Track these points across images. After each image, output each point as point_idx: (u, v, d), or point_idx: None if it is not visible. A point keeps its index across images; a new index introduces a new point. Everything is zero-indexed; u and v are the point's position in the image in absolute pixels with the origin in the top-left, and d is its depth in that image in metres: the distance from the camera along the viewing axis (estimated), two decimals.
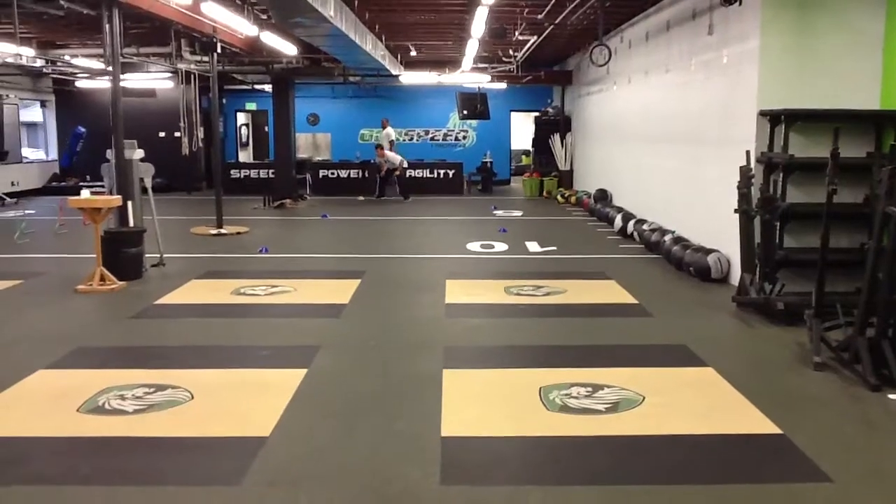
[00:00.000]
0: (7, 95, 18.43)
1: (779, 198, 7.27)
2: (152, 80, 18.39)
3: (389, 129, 19.34)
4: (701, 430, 4.38)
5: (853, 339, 5.34)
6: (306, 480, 3.72)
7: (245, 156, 23.58)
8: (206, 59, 13.45)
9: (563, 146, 19.24)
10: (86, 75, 18.38)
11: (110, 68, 9.08)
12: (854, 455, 4.02)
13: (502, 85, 19.93)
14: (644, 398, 4.82)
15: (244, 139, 23.94)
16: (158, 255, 9.25)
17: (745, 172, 7.26)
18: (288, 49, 14.18)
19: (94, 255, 8.18)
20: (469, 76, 18.59)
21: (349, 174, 19.69)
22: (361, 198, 18.38)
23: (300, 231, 13.64)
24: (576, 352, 5.98)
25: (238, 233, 12.35)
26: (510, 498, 3.55)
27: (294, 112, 18.13)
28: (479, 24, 11.60)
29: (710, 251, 8.60)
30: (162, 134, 18.92)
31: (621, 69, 13.50)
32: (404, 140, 22.66)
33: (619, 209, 12.96)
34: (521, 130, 23.89)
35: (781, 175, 7.38)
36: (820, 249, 5.76)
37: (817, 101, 7.48)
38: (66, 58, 15.63)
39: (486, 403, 4.81)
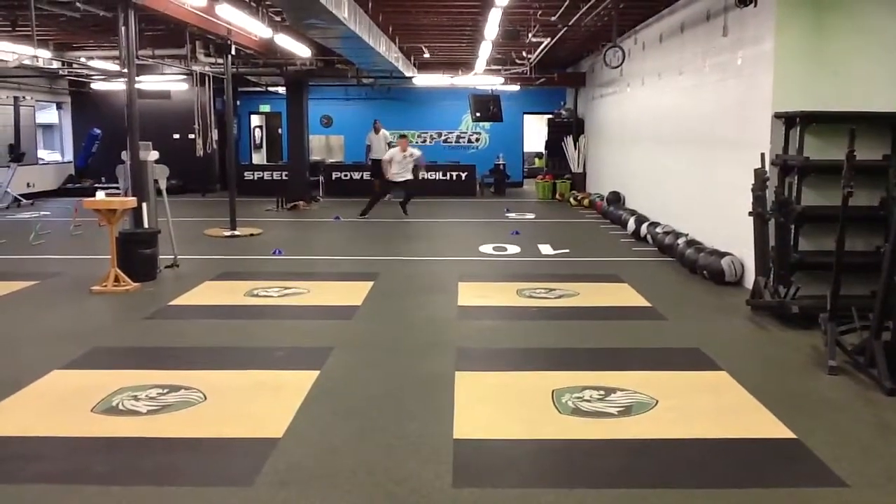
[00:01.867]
0: (23, 97, 18.56)
1: (794, 200, 7.22)
2: (167, 82, 18.51)
3: (385, 132, 18.65)
4: (714, 434, 4.35)
5: (869, 343, 5.30)
6: (318, 481, 3.73)
7: (259, 158, 23.64)
8: (220, 61, 13.50)
9: (576, 148, 19.20)
10: (101, 77, 18.49)
11: (126, 70, 9.14)
12: (870, 459, 3.99)
13: (515, 87, 19.90)
14: (657, 402, 4.80)
15: (258, 141, 24.01)
16: (173, 257, 9.29)
17: (760, 175, 7.21)
18: (302, 51, 14.21)
19: (109, 257, 8.23)
20: (482, 78, 18.57)
21: (362, 176, 19.68)
22: None
23: (313, 233, 13.68)
24: (588, 355, 5.97)
25: (252, 234, 12.40)
26: (522, 501, 3.54)
27: (307, 114, 18.18)
28: (492, 25, 11.59)
29: (723, 254, 8.55)
30: (176, 136, 19.00)
31: (635, 71, 13.46)
32: (417, 142, 22.68)
33: (633, 212, 12.91)
34: (534, 132, 23.84)
35: (796, 177, 7.33)
36: (835, 252, 5.72)
37: (833, 103, 7.42)
38: (82, 60, 15.73)
39: (498, 406, 4.80)
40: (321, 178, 19.49)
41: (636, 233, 11.95)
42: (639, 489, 3.66)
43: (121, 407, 4.70)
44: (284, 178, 18.57)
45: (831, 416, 4.65)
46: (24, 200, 17.11)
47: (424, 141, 22.79)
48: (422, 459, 3.95)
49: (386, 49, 13.64)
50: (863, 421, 4.56)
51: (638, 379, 5.23)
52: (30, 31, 10.28)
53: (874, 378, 5.13)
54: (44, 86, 19.56)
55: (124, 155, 9.26)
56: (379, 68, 16.27)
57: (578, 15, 10.89)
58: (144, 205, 8.89)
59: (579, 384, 5.11)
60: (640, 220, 12.05)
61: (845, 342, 5.59)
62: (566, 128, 19.99)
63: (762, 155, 7.30)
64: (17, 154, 17.40)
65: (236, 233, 12.30)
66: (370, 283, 8.48)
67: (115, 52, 13.33)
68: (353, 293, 8.01)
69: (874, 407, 4.78)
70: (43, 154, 20.51)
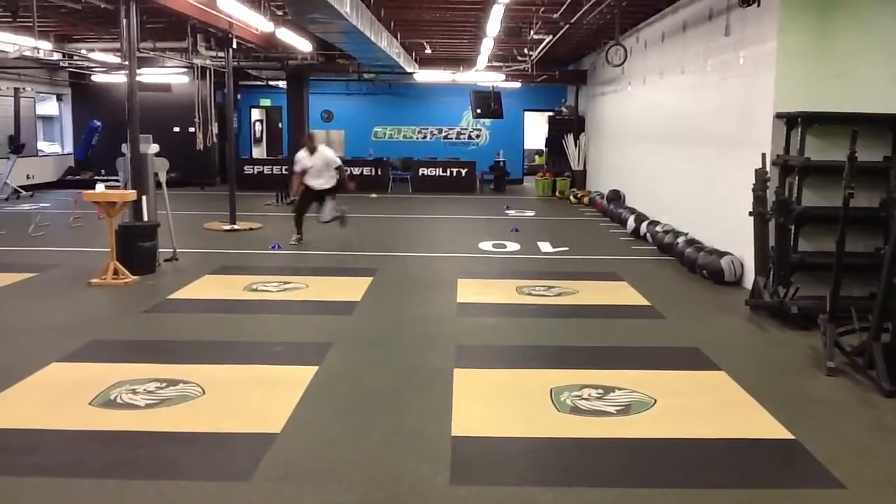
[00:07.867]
0: (24, 89, 18.53)
1: (794, 201, 7.22)
2: (168, 75, 18.46)
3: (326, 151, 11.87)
4: (712, 433, 4.35)
5: (868, 345, 5.30)
6: (316, 477, 3.73)
7: (259, 152, 23.60)
8: (221, 54, 13.48)
9: (576, 146, 19.19)
10: (102, 69, 18.46)
11: (126, 62, 9.12)
12: (867, 461, 3.99)
13: (516, 84, 19.88)
14: (656, 401, 4.79)
15: (258, 135, 23.98)
16: (172, 250, 9.28)
17: (761, 175, 7.21)
18: (303, 45, 14.19)
19: (108, 249, 8.22)
20: (483, 75, 18.57)
21: (362, 171, 19.65)
22: (374, 195, 18.38)
23: (313, 228, 13.63)
24: (587, 353, 5.97)
25: (251, 228, 12.39)
26: (519, 499, 3.54)
27: (308, 108, 18.20)
28: (494, 22, 11.58)
29: (723, 254, 8.55)
30: (177, 129, 18.98)
31: (636, 69, 13.44)
32: (417, 138, 22.67)
33: (632, 210, 12.90)
34: (535, 130, 23.82)
35: (797, 178, 7.33)
36: (835, 253, 5.72)
37: (834, 104, 7.41)
38: (83, 52, 15.70)
39: (496, 403, 4.80)
40: None
41: (636, 231, 11.94)
42: (636, 488, 3.66)
43: (119, 400, 4.69)
44: (284, 172, 18.50)
45: (829, 417, 4.65)
46: (24, 192, 17.09)
47: (425, 137, 22.79)
48: (420, 456, 3.95)
49: (387, 44, 13.62)
50: (861, 422, 4.56)
51: (636, 378, 5.23)
52: (31, 22, 10.28)
53: (873, 380, 5.13)
54: (44, 77, 19.54)
55: (124, 147, 9.23)
56: (380, 63, 16.25)
57: (581, 12, 10.87)
58: (144, 198, 8.87)
59: (578, 382, 5.11)
60: (640, 218, 12.04)
61: (844, 343, 5.59)
62: (567, 125, 19.97)
63: (763, 155, 7.29)
64: (17, 145, 17.37)
65: (236, 227, 12.29)
66: (369, 279, 8.47)
67: (116, 45, 13.32)
68: (352, 289, 8.00)
69: (872, 408, 4.78)
70: (43, 146, 20.49)
